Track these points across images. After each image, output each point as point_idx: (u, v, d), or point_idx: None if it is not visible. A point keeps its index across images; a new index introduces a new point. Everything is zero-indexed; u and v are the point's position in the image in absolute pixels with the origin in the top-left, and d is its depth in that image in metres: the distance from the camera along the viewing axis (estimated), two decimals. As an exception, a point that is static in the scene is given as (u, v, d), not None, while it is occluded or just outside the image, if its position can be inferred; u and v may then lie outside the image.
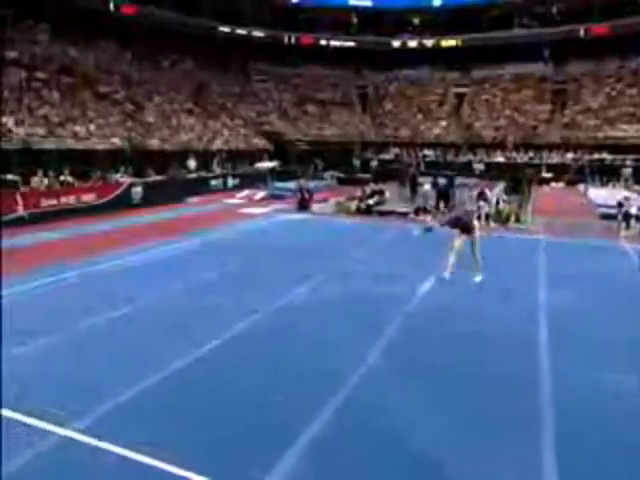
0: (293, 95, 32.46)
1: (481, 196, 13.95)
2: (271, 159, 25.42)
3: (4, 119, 15.85)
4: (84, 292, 6.79)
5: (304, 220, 13.54)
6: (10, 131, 15.47)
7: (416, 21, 32.87)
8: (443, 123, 29.50)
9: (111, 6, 26.80)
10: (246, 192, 18.45)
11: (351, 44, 33.14)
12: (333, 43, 33.24)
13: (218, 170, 21.57)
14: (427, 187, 16.40)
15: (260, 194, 18.26)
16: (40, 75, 20.15)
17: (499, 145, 26.91)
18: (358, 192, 16.47)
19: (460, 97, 31.29)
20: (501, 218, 13.38)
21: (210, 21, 30.56)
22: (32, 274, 7.46)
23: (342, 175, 23.60)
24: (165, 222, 13.17)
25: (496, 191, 17.04)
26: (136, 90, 24.62)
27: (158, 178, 17.77)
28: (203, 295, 6.63)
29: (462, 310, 6.21)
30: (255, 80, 32.67)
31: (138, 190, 16.07)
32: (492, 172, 23.92)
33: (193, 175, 19.89)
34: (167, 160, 19.71)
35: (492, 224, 12.94)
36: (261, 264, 8.43)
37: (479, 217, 12.17)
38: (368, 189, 16.86)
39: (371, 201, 15.71)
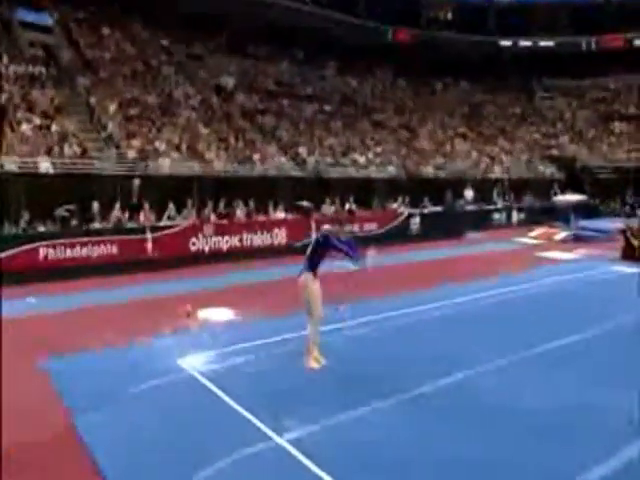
0: (591, 112, 28.73)
1: None
2: (563, 190, 22.56)
3: (300, 149, 18.17)
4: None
5: (624, 277, 10.81)
6: (304, 161, 17.58)
7: None
8: None
9: (389, 35, 29.04)
10: (541, 230, 16.51)
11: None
12: (654, 41, 28.22)
13: (499, 202, 20.18)
14: None
15: (561, 234, 16.22)
16: (327, 107, 22.83)
17: None
18: None
19: None
20: None
21: (491, 36, 29.94)
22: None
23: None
24: (456, 259, 12.62)
25: None
26: (409, 116, 25.64)
27: (435, 209, 17.57)
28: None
29: None
30: (540, 97, 30.37)
31: (416, 221, 16.20)
32: None
33: (472, 207, 19.08)
34: (442, 189, 19.50)
35: None
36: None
37: None
38: None
39: None
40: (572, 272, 10.64)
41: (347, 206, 15.54)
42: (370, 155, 20.38)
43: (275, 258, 12.45)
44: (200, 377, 5.36)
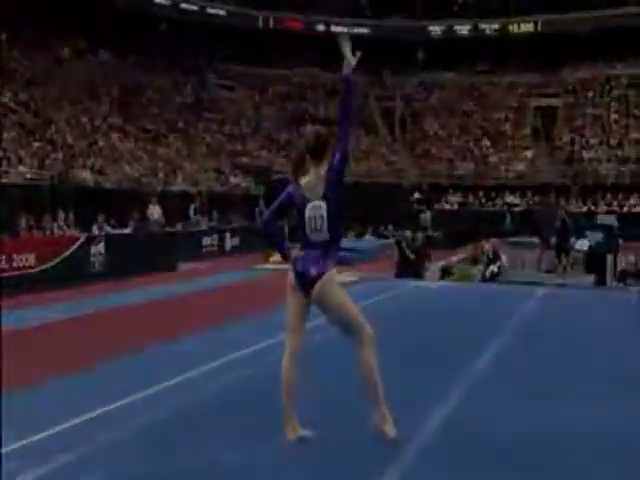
0: (279, 110, 31.86)
1: None
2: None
3: None
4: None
5: (439, 290, 12.80)
6: None
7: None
8: (527, 153, 29.62)
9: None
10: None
11: (363, 31, 33.56)
12: (335, 29, 33.56)
13: (204, 223, 19.94)
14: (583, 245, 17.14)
15: (310, 258, 17.06)
16: None
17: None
18: (463, 254, 17.61)
19: (546, 112, 31.92)
20: None
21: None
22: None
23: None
24: (209, 294, 11.96)
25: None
26: (30, 92, 22.98)
27: (122, 231, 16.38)
28: None
29: None
30: (215, 85, 31.92)
31: (100, 250, 14.41)
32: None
33: (174, 229, 18.57)
34: (114, 203, 18.57)
35: None
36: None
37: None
38: (488, 249, 17.66)
39: (495, 267, 16.30)
40: (374, 295, 11.06)
41: None
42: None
43: None
44: None
